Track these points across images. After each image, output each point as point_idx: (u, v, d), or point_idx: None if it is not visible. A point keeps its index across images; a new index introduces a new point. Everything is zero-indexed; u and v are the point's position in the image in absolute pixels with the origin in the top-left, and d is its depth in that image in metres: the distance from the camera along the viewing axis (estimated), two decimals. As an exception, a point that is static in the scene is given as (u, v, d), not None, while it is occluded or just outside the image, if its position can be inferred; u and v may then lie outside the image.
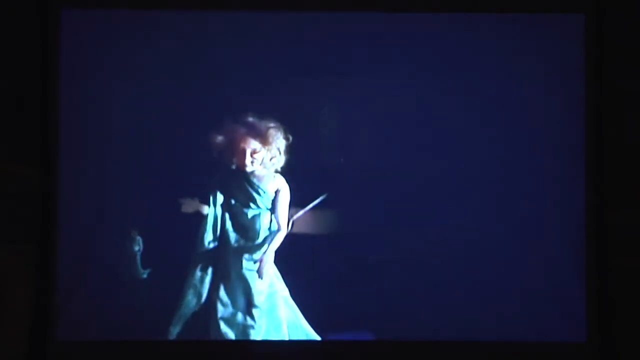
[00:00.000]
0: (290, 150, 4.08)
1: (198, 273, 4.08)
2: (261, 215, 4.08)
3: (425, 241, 4.29)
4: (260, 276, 4.01)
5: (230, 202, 4.09)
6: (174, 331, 4.09)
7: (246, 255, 4.05)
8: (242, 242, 4.06)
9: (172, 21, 4.24)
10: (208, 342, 4.15)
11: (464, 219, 4.28)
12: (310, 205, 4.09)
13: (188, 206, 4.10)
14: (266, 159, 4.02)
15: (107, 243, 4.21)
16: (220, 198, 4.10)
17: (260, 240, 4.07)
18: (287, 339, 4.10)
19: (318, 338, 4.14)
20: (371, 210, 4.31)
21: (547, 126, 4.27)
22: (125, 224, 4.23)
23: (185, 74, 4.25)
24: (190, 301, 4.08)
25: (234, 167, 4.06)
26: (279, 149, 4.02)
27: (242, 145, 4.01)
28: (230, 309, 4.04)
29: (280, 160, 4.05)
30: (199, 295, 4.08)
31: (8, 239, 4.09)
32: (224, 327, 4.05)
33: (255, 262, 4.04)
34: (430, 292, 4.27)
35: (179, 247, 4.24)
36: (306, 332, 4.10)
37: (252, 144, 4.01)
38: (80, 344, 4.13)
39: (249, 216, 4.07)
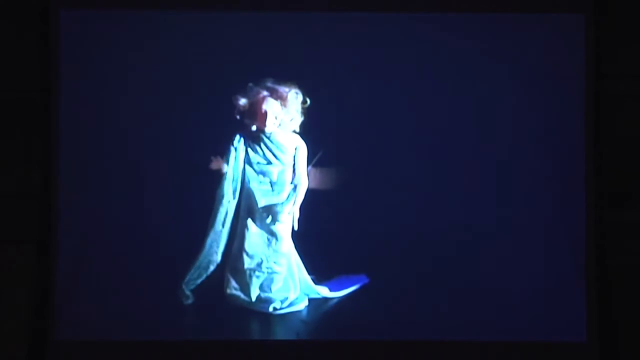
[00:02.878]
0: (306, 112, 4.24)
1: (220, 228, 4.29)
2: (284, 171, 4.30)
3: (423, 240, 4.30)
4: (295, 226, 4.27)
5: (255, 161, 4.29)
6: (193, 283, 4.30)
7: (274, 209, 4.28)
8: (269, 196, 4.29)
9: (171, 21, 4.25)
10: (208, 342, 4.16)
11: (463, 218, 4.29)
12: (313, 161, 4.33)
13: (217, 163, 4.27)
14: (285, 120, 4.22)
15: (106, 243, 4.22)
16: (241, 159, 4.29)
17: (285, 193, 4.29)
18: (297, 285, 4.34)
19: (315, 286, 4.37)
20: (371, 210, 4.35)
21: (547, 126, 4.27)
22: (125, 224, 4.25)
23: (184, 74, 4.26)
24: (209, 254, 4.29)
25: (254, 128, 4.22)
26: (297, 111, 4.22)
27: (263, 108, 4.18)
28: (257, 260, 4.29)
29: (298, 121, 4.25)
30: (218, 249, 4.30)
31: (8, 239, 4.09)
32: (249, 277, 4.29)
33: (278, 214, 4.28)
34: (429, 292, 4.28)
35: (178, 248, 4.25)
36: (306, 280, 4.37)
37: (274, 107, 4.19)
38: (80, 344, 4.13)
39: (274, 172, 4.30)
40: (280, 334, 4.23)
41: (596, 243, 4.17)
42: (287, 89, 4.16)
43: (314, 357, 4.14)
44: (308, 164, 4.31)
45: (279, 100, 4.16)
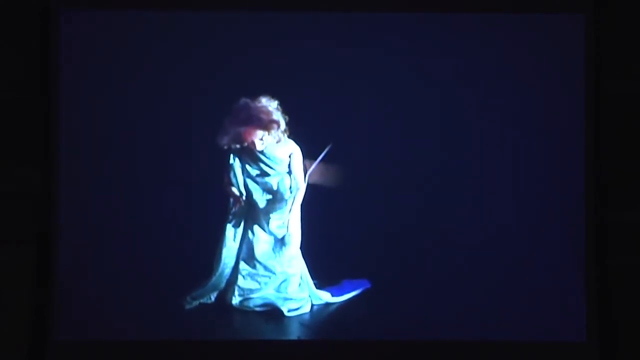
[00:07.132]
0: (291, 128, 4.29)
1: (232, 243, 4.39)
2: (283, 178, 4.36)
3: (423, 240, 4.30)
4: (288, 229, 4.35)
5: (254, 174, 4.36)
6: (207, 298, 4.39)
7: (280, 215, 4.37)
8: (273, 204, 4.38)
9: (171, 21, 4.25)
10: (208, 343, 4.16)
11: (463, 218, 4.28)
12: (319, 158, 4.39)
13: (230, 190, 4.37)
14: (273, 141, 4.28)
15: (107, 243, 4.22)
16: (240, 174, 4.36)
17: (285, 199, 4.36)
18: (306, 288, 4.40)
19: (318, 291, 4.41)
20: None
21: (547, 126, 4.27)
22: (125, 224, 4.25)
23: (184, 74, 4.26)
24: (224, 269, 4.38)
25: (245, 145, 4.27)
26: (281, 132, 4.27)
27: (249, 139, 4.24)
28: (270, 267, 4.38)
29: (285, 137, 4.30)
30: (231, 264, 4.39)
31: (8, 239, 4.09)
32: (263, 284, 4.36)
33: (283, 220, 4.37)
34: (430, 292, 4.27)
35: (178, 247, 4.25)
36: (309, 285, 4.42)
37: (258, 135, 4.25)
38: (80, 344, 4.13)
39: (273, 183, 4.37)
40: (281, 338, 4.24)
41: (596, 243, 4.17)
42: (266, 116, 4.19)
43: (314, 358, 4.14)
44: (316, 160, 4.37)
45: (261, 130, 4.22)
